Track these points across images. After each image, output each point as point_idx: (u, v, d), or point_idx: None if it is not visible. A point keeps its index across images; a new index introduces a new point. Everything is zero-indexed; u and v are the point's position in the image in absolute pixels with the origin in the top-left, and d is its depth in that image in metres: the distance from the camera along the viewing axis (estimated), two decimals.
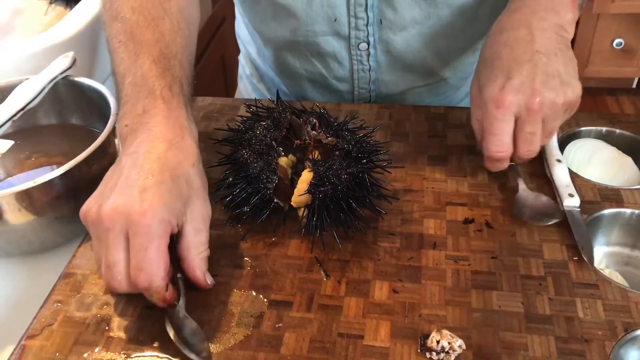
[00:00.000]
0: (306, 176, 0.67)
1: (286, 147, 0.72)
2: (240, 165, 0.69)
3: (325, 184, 0.64)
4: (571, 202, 0.70)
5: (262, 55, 1.02)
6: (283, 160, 0.71)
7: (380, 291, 0.63)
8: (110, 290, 0.63)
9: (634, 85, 2.84)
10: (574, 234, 0.67)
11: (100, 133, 0.76)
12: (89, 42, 0.99)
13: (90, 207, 0.59)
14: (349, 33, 0.89)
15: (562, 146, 0.81)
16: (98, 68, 0.99)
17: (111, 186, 0.58)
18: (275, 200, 0.68)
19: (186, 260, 0.60)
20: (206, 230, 0.61)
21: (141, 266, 0.55)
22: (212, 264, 0.67)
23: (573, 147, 0.81)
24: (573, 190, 0.71)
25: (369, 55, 0.91)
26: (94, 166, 0.74)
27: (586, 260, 0.65)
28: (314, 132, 0.70)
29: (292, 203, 0.68)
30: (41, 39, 0.92)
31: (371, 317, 0.61)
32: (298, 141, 0.71)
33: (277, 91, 0.77)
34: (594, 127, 0.84)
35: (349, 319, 0.61)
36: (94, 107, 0.84)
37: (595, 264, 0.70)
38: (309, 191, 0.65)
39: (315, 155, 0.69)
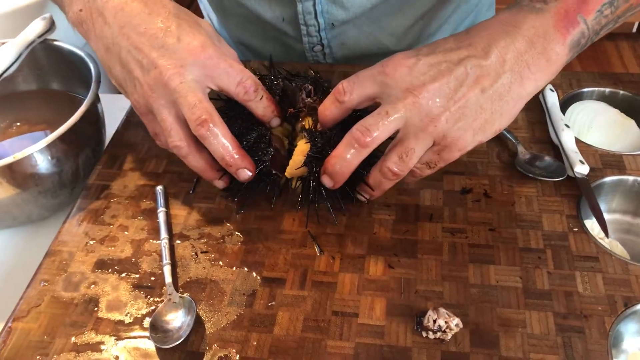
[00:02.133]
0: (302, 147, 0.64)
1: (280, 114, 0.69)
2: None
3: (324, 156, 0.62)
4: (582, 169, 0.67)
5: (222, 24, 1.00)
6: (278, 130, 0.68)
7: (376, 267, 0.61)
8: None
9: (634, 30, 2.78)
10: (587, 203, 0.65)
11: (83, 98, 0.73)
12: None
13: (137, 100, 0.63)
14: (302, 39, 0.89)
15: (564, 108, 0.79)
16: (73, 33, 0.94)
17: (132, 70, 0.61)
18: (274, 172, 0.65)
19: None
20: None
21: (239, 76, 0.61)
22: (203, 237, 0.65)
23: (574, 109, 0.78)
24: (582, 158, 0.68)
25: (324, 54, 0.91)
26: (78, 137, 0.71)
27: (602, 231, 0.63)
28: (309, 99, 0.67)
29: (286, 175, 0.66)
30: None
31: (366, 294, 0.59)
32: (291, 109, 0.68)
33: (270, 56, 0.73)
34: (596, 88, 0.81)
35: (343, 296, 0.59)
36: (75, 71, 0.80)
37: (595, 234, 0.68)
38: (306, 164, 0.63)
39: (310, 124, 0.66)
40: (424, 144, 0.56)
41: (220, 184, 0.66)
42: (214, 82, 0.61)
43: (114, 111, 0.83)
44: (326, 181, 0.60)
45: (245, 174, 0.61)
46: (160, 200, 0.68)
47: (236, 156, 0.60)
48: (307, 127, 0.66)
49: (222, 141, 0.60)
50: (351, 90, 0.58)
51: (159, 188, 0.70)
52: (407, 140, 0.56)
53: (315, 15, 0.84)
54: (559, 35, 0.54)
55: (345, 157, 0.57)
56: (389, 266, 0.61)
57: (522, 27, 0.54)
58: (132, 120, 0.80)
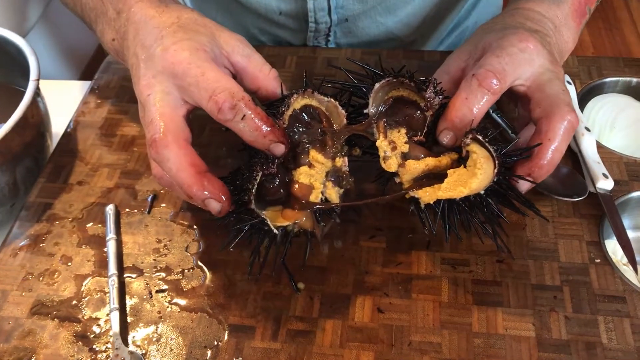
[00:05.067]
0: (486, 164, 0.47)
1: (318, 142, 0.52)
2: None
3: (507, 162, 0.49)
4: (605, 184, 0.57)
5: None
6: (303, 172, 0.50)
7: (362, 310, 0.52)
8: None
9: None
10: (611, 226, 0.55)
11: (24, 91, 0.62)
12: None
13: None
14: (306, 32, 0.80)
15: (582, 103, 0.68)
16: (18, 16, 0.82)
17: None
18: (275, 225, 0.48)
19: (261, 89, 0.52)
20: (255, 51, 0.53)
21: (211, 88, 0.47)
22: (159, 270, 0.56)
23: (594, 105, 0.68)
24: (606, 170, 0.58)
25: (327, 41, 0.82)
26: (14, 145, 0.61)
27: (630, 265, 0.54)
28: (437, 97, 0.51)
29: (469, 192, 0.47)
30: None
31: (350, 346, 0.50)
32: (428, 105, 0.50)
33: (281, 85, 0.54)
34: (620, 78, 0.70)
35: (323, 349, 0.50)
36: (13, 61, 0.69)
37: (619, 259, 0.59)
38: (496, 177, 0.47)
39: (403, 138, 0.51)
40: None
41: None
42: (187, 94, 0.48)
43: (67, 102, 0.72)
44: (526, 184, 0.49)
45: (215, 206, 0.47)
46: (110, 224, 0.58)
47: (195, 189, 0.46)
48: (400, 141, 0.51)
49: (173, 167, 0.47)
50: (506, 75, 0.49)
51: (110, 208, 0.59)
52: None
53: (329, 12, 0.76)
54: (574, 24, 0.58)
55: (563, 148, 0.49)
56: (378, 310, 0.52)
57: (548, 15, 0.56)
58: (82, 120, 0.69)
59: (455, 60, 0.55)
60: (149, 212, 0.60)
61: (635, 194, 0.59)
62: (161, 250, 0.57)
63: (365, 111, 0.52)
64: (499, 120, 0.64)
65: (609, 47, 2.10)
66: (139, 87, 0.50)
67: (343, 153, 0.52)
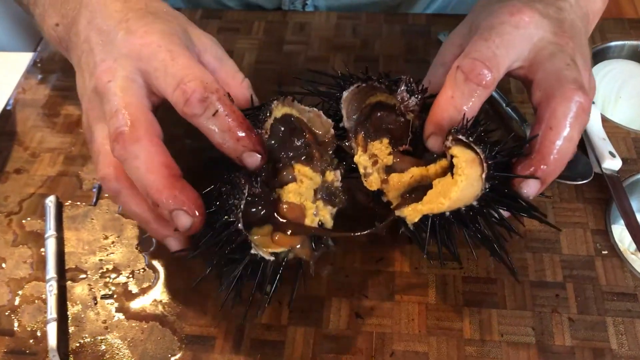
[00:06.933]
0: (471, 170, 0.39)
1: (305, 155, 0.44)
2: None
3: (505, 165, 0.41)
4: (612, 164, 0.51)
5: None
6: (292, 189, 0.43)
7: (338, 316, 0.45)
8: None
9: None
10: (619, 211, 0.49)
11: None
12: None
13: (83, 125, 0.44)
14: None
15: None
16: None
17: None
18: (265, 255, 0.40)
19: (234, 97, 0.43)
20: (227, 56, 0.47)
21: (180, 75, 0.39)
22: (105, 273, 0.49)
23: (598, 73, 0.61)
24: (612, 148, 0.52)
25: (305, 5, 0.73)
26: None
27: (639, 253, 0.47)
28: (413, 97, 0.43)
29: (451, 207, 0.40)
30: None
31: (324, 358, 0.44)
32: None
33: (252, 96, 0.47)
34: (626, 42, 0.63)
35: None
36: None
37: (626, 246, 0.53)
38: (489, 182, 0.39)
39: (386, 148, 0.44)
40: None
41: (174, 243, 0.43)
42: (151, 81, 0.40)
43: (10, 77, 0.64)
44: (532, 187, 0.40)
45: (184, 221, 0.38)
46: (50, 219, 0.51)
47: (165, 196, 0.38)
48: (383, 153, 0.44)
49: (142, 166, 0.38)
50: (498, 62, 0.41)
51: (50, 200, 0.52)
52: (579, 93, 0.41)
53: None
54: None
55: (573, 137, 0.40)
56: (356, 315, 0.45)
57: None
58: (22, 98, 0.61)
59: (449, 47, 0.46)
60: (95, 204, 0.53)
61: None
62: (108, 248, 0.50)
63: (341, 125, 0.45)
64: (498, 97, 0.57)
65: None
66: (96, 74, 0.41)
67: (334, 166, 0.45)
